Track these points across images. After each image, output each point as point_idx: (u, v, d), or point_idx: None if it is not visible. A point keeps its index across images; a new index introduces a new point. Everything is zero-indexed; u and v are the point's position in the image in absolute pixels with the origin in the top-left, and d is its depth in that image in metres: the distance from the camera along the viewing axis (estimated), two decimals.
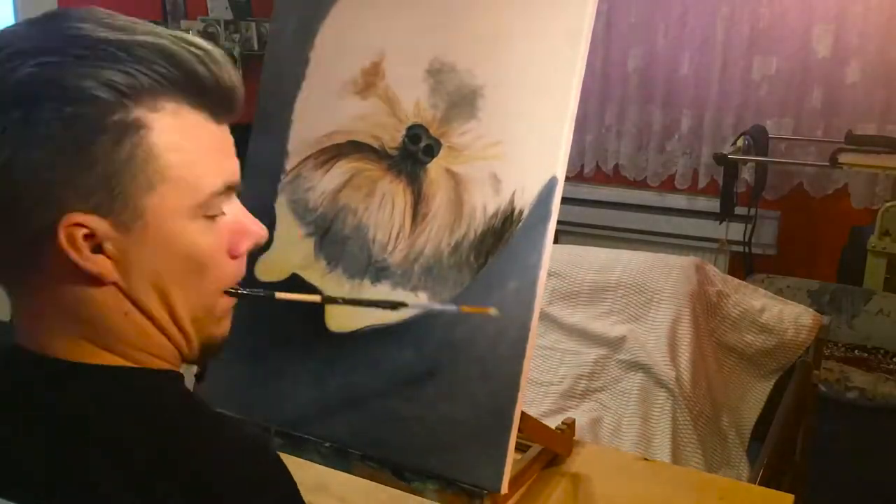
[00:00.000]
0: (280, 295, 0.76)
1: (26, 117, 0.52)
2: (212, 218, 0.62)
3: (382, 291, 0.99)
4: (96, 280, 0.57)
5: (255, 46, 3.63)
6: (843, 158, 2.60)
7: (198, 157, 0.60)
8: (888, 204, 2.60)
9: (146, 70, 0.56)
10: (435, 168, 0.98)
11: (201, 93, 0.59)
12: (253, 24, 3.62)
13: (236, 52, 3.50)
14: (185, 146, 0.59)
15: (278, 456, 0.63)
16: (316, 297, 0.96)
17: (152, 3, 3.36)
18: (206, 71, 0.59)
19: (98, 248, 0.56)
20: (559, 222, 3.38)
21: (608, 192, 3.51)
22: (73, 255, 0.55)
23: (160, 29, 0.58)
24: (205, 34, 3.43)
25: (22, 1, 3.08)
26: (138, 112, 0.55)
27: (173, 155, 0.58)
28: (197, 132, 0.59)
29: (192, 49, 0.58)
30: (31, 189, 0.53)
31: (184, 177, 0.58)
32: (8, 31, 0.56)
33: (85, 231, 0.55)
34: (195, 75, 0.58)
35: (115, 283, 0.58)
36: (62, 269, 0.56)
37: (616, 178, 3.53)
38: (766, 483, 1.22)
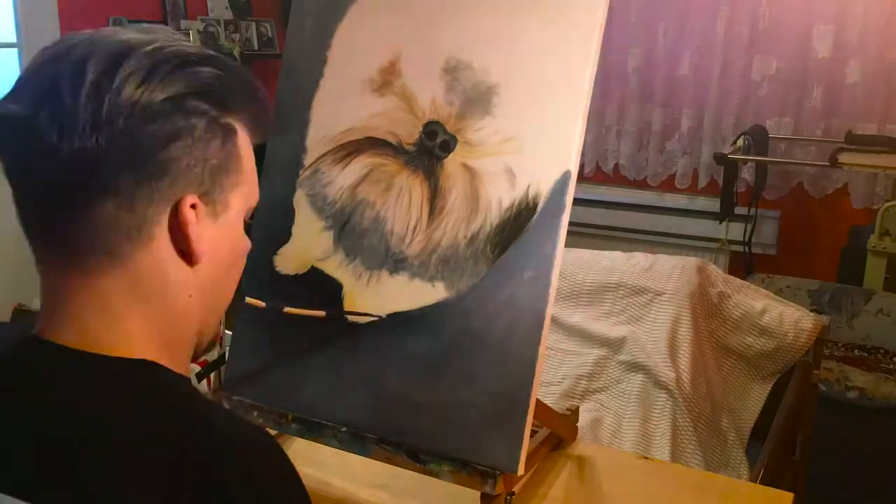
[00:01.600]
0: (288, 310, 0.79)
1: (178, 106, 0.61)
2: (247, 223, 0.72)
3: (400, 282, 1.01)
4: (188, 257, 0.65)
5: (256, 46, 3.64)
6: (843, 158, 2.60)
7: (254, 171, 0.71)
8: (888, 204, 2.61)
9: (237, 86, 0.66)
10: (451, 163, 1.01)
11: (256, 122, 0.69)
12: (253, 24, 3.63)
13: (236, 52, 3.50)
14: (251, 157, 0.70)
15: (287, 458, 0.65)
16: (320, 313, 1.02)
17: (152, 3, 3.36)
18: (264, 105, 0.70)
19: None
20: None
21: (608, 192, 3.51)
22: (191, 227, 0.63)
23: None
24: (205, 34, 3.43)
25: (22, 1, 3.08)
26: (232, 119, 0.66)
27: (248, 162, 0.69)
28: (251, 149, 0.70)
29: (258, 84, 0.70)
30: (172, 173, 0.61)
31: (251, 182, 0.70)
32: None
33: (196, 212, 0.64)
34: (261, 107, 0.69)
35: (198, 264, 0.65)
36: (162, 245, 0.63)
37: (616, 178, 3.53)
38: (766, 483, 1.22)
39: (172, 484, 0.56)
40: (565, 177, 0.96)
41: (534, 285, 0.93)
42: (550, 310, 0.92)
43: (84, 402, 0.59)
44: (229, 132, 0.65)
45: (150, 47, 0.61)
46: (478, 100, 1.00)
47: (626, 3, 3.32)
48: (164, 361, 0.64)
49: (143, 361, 0.63)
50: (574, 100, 0.95)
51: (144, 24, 0.66)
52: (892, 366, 2.39)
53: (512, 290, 0.95)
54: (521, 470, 0.91)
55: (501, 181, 0.98)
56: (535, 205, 0.96)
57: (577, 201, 3.52)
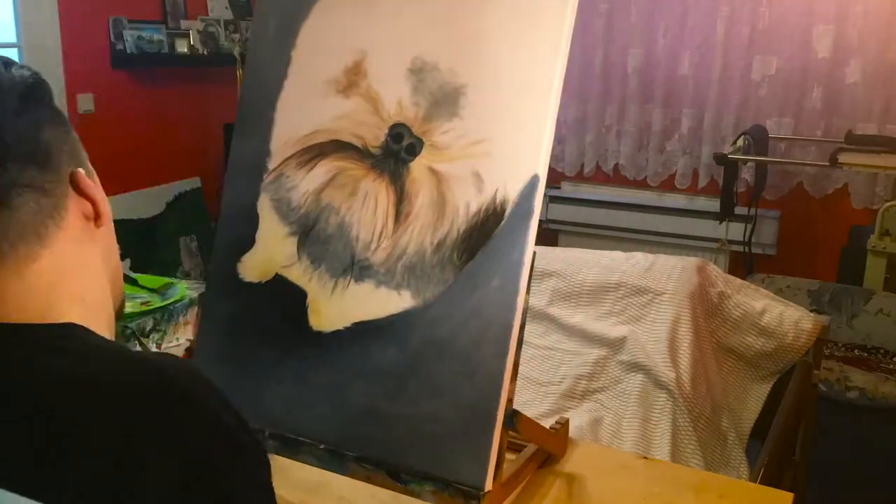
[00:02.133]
0: None
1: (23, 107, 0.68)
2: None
3: (366, 289, 0.99)
4: (96, 219, 0.72)
5: None
6: (843, 158, 2.60)
7: None
8: (888, 204, 2.60)
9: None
10: (417, 167, 0.99)
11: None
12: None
13: (236, 51, 3.50)
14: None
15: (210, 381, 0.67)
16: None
17: (152, 3, 3.36)
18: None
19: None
20: (559, 222, 3.40)
21: (608, 192, 3.51)
22: (92, 189, 0.71)
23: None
24: (205, 34, 3.43)
25: (22, 1, 3.08)
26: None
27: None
28: None
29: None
30: (54, 152, 0.69)
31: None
32: None
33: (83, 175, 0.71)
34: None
35: (102, 224, 0.72)
36: (74, 216, 0.69)
37: (616, 178, 3.53)
38: (766, 482, 1.22)
39: (131, 420, 0.58)
40: (534, 180, 0.92)
41: (501, 293, 0.91)
42: (519, 319, 0.90)
43: (25, 369, 0.61)
44: (61, 115, 0.72)
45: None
46: (444, 101, 0.97)
47: (626, 3, 3.32)
48: (87, 322, 0.68)
49: (72, 325, 0.66)
50: (543, 101, 0.93)
51: None
52: (892, 366, 2.39)
53: (479, 298, 0.92)
54: (488, 485, 0.88)
55: (468, 185, 0.95)
56: (503, 210, 0.93)
57: (577, 201, 3.51)
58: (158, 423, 0.59)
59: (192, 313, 1.40)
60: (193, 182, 3.53)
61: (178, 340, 1.49)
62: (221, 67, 3.50)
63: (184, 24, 3.38)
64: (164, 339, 1.19)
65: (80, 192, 0.70)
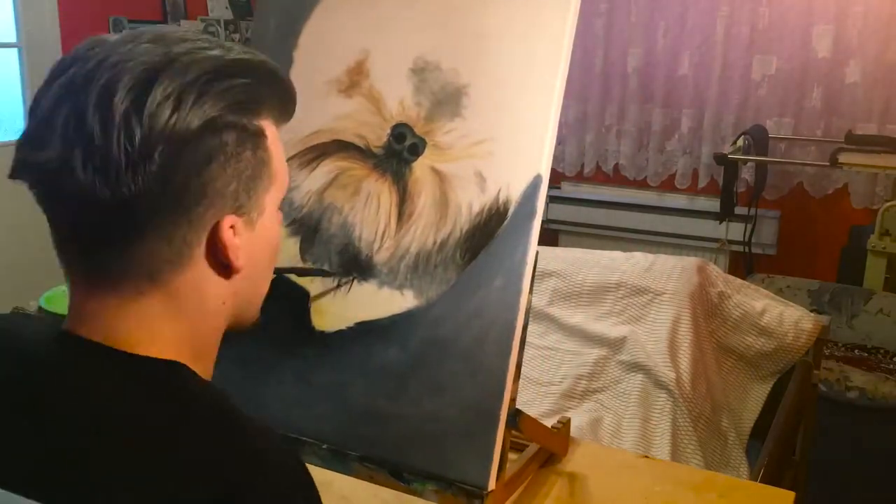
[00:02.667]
0: None
1: (211, 127, 0.59)
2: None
3: (368, 289, 0.99)
4: (227, 272, 0.65)
5: None
6: (843, 158, 2.60)
7: (284, 159, 0.70)
8: (888, 204, 2.60)
9: (265, 87, 0.65)
10: (420, 167, 0.99)
11: (285, 110, 0.68)
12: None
13: None
14: (280, 150, 0.68)
15: (305, 467, 0.65)
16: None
17: (152, 3, 3.36)
18: (291, 94, 0.69)
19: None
20: (559, 222, 3.40)
21: (608, 192, 3.51)
22: (230, 249, 0.63)
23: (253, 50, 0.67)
24: (205, 34, 3.43)
25: (22, 1, 3.08)
26: (260, 121, 0.64)
27: (277, 158, 0.67)
28: (279, 139, 0.68)
29: (283, 74, 0.69)
30: (209, 196, 0.60)
31: (282, 175, 0.69)
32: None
33: (234, 229, 0.63)
34: (289, 97, 0.68)
35: (234, 274, 0.65)
36: (201, 265, 0.63)
37: (616, 178, 3.53)
38: (766, 482, 1.22)
39: (189, 488, 0.56)
40: (536, 180, 0.92)
41: (504, 293, 0.91)
42: (522, 319, 0.90)
43: (112, 399, 0.59)
44: (259, 137, 0.63)
45: (178, 64, 0.58)
46: (447, 101, 0.98)
47: (626, 3, 3.32)
48: (189, 364, 0.64)
49: (173, 363, 0.63)
50: (545, 101, 0.93)
51: (157, 26, 0.64)
52: (892, 366, 2.39)
53: (482, 298, 0.92)
54: (492, 484, 0.89)
55: (471, 185, 0.95)
56: (506, 210, 0.93)
57: (577, 201, 3.51)
58: None
59: None
60: None
61: None
62: None
63: (184, 23, 3.38)
64: None
65: (216, 247, 0.62)
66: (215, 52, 0.61)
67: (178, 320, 0.63)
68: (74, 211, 0.59)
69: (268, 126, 0.65)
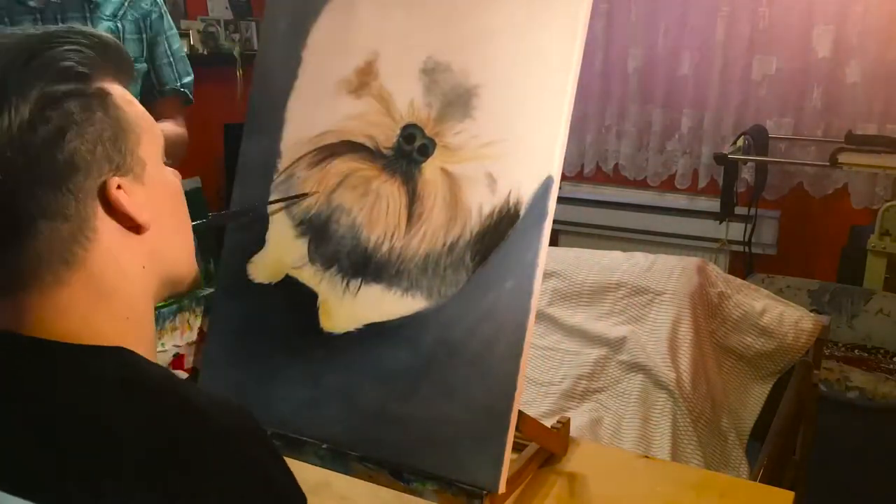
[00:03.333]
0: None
1: (47, 103, 0.59)
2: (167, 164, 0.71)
3: (378, 291, 0.99)
4: (137, 230, 0.65)
5: (256, 46, 3.63)
6: (843, 158, 2.60)
7: (142, 108, 0.69)
8: (888, 204, 2.60)
9: (85, 51, 0.63)
10: (430, 168, 0.98)
11: (119, 69, 0.67)
12: (253, 24, 3.63)
13: (236, 51, 3.50)
14: (133, 103, 0.67)
15: (262, 437, 0.64)
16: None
17: None
18: (114, 49, 0.67)
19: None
20: (559, 222, 3.37)
21: (608, 192, 3.51)
22: (127, 205, 0.63)
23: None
24: (205, 34, 3.43)
25: None
26: (99, 83, 0.64)
27: (133, 111, 0.66)
28: (128, 93, 0.68)
29: (95, 32, 0.67)
30: (80, 165, 0.60)
31: (148, 126, 0.68)
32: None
33: (123, 188, 0.63)
34: (114, 52, 0.67)
35: (144, 231, 0.65)
36: (108, 231, 0.63)
37: (616, 178, 3.52)
38: (765, 482, 1.22)
39: (166, 468, 0.56)
40: (548, 182, 0.92)
41: (515, 295, 0.91)
42: (532, 321, 0.90)
43: (62, 393, 0.59)
44: (104, 97, 0.63)
45: None
46: (457, 102, 0.97)
47: (626, 3, 3.32)
48: (130, 340, 0.64)
49: (116, 349, 0.62)
50: (556, 102, 0.93)
51: None
52: (892, 366, 2.39)
53: (492, 300, 0.92)
54: (502, 488, 0.88)
55: (481, 187, 0.95)
56: (517, 211, 0.93)
57: (577, 201, 3.50)
58: (202, 481, 0.56)
59: (181, 319, 1.39)
60: (194, 182, 3.52)
61: (163, 347, 1.48)
62: (221, 67, 3.50)
63: (184, 24, 3.38)
64: None
65: (113, 210, 0.63)
66: (17, 38, 0.61)
67: (106, 298, 0.63)
68: None
69: (110, 86, 0.65)
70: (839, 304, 2.57)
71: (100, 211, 0.62)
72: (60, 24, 0.67)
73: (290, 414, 1.00)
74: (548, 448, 1.12)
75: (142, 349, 0.65)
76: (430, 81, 0.99)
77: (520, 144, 0.94)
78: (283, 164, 1.06)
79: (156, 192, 0.67)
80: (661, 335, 1.67)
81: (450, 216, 0.96)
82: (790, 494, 1.07)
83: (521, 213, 0.93)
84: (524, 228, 0.92)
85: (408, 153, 0.99)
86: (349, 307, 0.99)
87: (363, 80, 1.03)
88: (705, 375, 1.67)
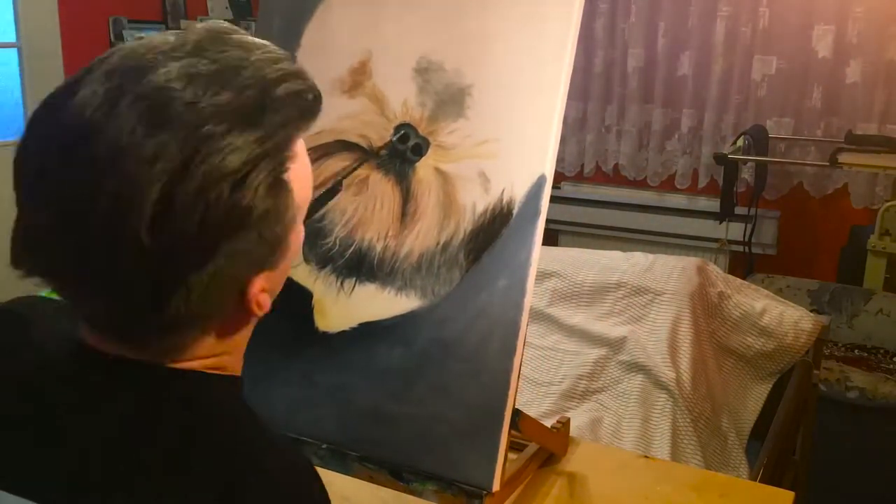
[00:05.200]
0: None
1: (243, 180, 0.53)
2: None
3: (372, 290, 0.99)
4: (252, 316, 0.61)
5: None
6: (843, 158, 2.60)
7: (308, 178, 0.63)
8: (888, 204, 2.60)
9: (289, 124, 0.57)
10: (423, 167, 0.99)
11: (311, 121, 0.61)
12: (253, 24, 3.63)
13: None
14: (305, 175, 0.62)
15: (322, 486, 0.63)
16: None
17: (152, 3, 3.36)
18: (318, 105, 0.61)
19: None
20: (559, 222, 3.39)
21: (608, 192, 3.51)
22: (255, 311, 0.59)
23: (284, 65, 0.59)
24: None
25: (22, 1, 3.08)
26: (291, 160, 0.58)
27: (301, 186, 0.60)
28: (305, 155, 0.62)
29: (309, 84, 0.60)
30: (239, 256, 0.55)
31: (307, 199, 0.62)
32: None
33: (264, 285, 0.59)
34: (313, 112, 0.61)
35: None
36: (228, 318, 0.59)
37: (616, 178, 3.53)
38: (765, 482, 1.22)
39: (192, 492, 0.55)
40: (541, 181, 0.92)
41: (508, 294, 0.91)
42: (526, 319, 0.90)
43: (131, 416, 0.58)
44: (287, 182, 0.57)
45: (200, 157, 0.51)
46: (450, 101, 0.98)
47: (626, 3, 3.32)
48: (224, 361, 0.63)
49: (205, 375, 0.61)
50: (549, 101, 0.93)
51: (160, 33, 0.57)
52: (892, 366, 2.39)
53: (486, 298, 0.92)
54: (496, 486, 0.89)
55: (475, 186, 0.95)
56: (510, 210, 0.93)
57: (577, 201, 3.50)
58: None
59: None
60: None
61: None
62: None
63: (184, 24, 3.38)
64: None
65: (244, 305, 0.59)
66: (238, 140, 0.53)
67: (222, 341, 0.62)
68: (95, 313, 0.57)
69: (294, 159, 0.59)
70: (839, 304, 2.57)
71: (233, 299, 0.58)
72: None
73: (285, 413, 1.00)
74: (548, 448, 1.12)
75: (233, 367, 0.65)
76: (423, 81, 0.99)
77: (513, 143, 0.94)
78: None
79: (284, 268, 0.63)
80: (661, 335, 1.67)
81: (443, 215, 0.97)
82: (790, 494, 1.07)
83: (515, 211, 0.93)
84: (517, 227, 0.93)
85: (401, 152, 1.00)
86: (344, 306, 1.00)
87: (357, 79, 1.03)
88: (705, 375, 1.67)
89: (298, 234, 0.63)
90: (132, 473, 0.56)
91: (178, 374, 0.60)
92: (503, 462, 0.89)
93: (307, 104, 0.59)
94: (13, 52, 3.11)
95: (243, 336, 0.65)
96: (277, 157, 0.55)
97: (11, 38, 3.10)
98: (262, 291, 0.59)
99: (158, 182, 0.50)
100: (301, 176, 0.60)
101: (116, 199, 0.50)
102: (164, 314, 0.54)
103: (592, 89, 3.45)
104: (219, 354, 0.62)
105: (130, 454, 0.56)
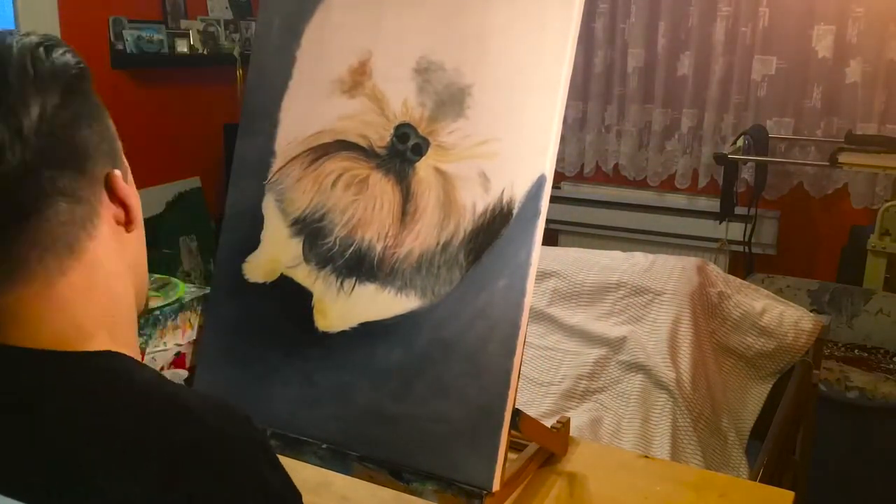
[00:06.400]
0: None
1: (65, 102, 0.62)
2: None
3: (372, 290, 0.99)
4: (128, 224, 0.67)
5: None
6: (843, 158, 2.60)
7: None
8: (888, 204, 2.60)
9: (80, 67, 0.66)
10: (423, 167, 0.99)
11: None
12: (253, 24, 3.63)
13: (236, 51, 3.50)
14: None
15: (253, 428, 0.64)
16: None
17: (152, 2, 3.36)
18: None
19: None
20: (559, 222, 3.39)
21: (608, 192, 3.51)
22: (130, 199, 0.66)
23: None
24: (205, 34, 3.43)
25: (22, 1, 3.08)
26: (91, 92, 0.67)
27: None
28: None
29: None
30: (91, 153, 0.64)
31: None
32: None
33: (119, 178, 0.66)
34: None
35: (132, 229, 0.68)
36: (106, 224, 0.65)
37: (616, 178, 3.53)
38: (765, 482, 1.22)
39: (164, 471, 0.56)
40: (540, 180, 0.92)
41: (508, 294, 0.91)
42: (525, 319, 0.90)
43: (53, 403, 0.58)
44: (100, 107, 0.67)
45: (27, 59, 0.60)
46: (450, 101, 0.98)
47: (626, 3, 3.32)
48: (115, 344, 0.64)
49: (111, 354, 0.63)
50: (549, 101, 0.93)
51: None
52: (892, 366, 2.39)
53: (486, 299, 0.92)
54: (496, 486, 0.89)
55: (475, 185, 0.95)
56: (510, 210, 0.93)
57: (577, 201, 3.50)
58: (196, 484, 0.56)
59: (182, 318, 1.39)
60: (193, 182, 3.52)
61: (164, 346, 1.48)
62: (221, 67, 3.50)
63: (184, 24, 3.38)
64: (148, 343, 1.18)
65: (115, 196, 0.66)
66: (31, 37, 0.63)
67: (97, 294, 0.64)
68: None
69: (97, 98, 0.68)
70: (839, 304, 2.57)
71: (105, 198, 0.65)
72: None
73: (285, 413, 1.00)
74: (548, 448, 1.12)
75: (128, 351, 0.65)
76: (423, 81, 0.99)
77: (513, 143, 0.94)
78: (277, 163, 1.06)
79: (135, 197, 0.69)
80: (661, 335, 1.67)
81: (443, 215, 0.97)
82: (790, 494, 1.07)
83: (515, 211, 0.93)
84: (517, 227, 0.93)
85: (401, 152, 1.00)
86: (344, 306, 1.00)
87: (357, 79, 1.03)
88: (705, 375, 1.67)
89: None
90: (86, 463, 0.56)
91: (88, 355, 0.62)
92: (503, 462, 0.89)
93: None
94: None
95: (124, 294, 0.67)
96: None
97: None
98: (116, 176, 0.65)
99: None
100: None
101: None
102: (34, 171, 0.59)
103: (592, 89, 3.45)
104: (109, 325, 0.64)
105: (75, 444, 0.57)
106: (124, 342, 0.66)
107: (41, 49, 0.62)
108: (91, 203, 0.63)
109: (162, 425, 0.59)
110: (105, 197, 0.65)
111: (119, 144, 0.69)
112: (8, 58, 0.60)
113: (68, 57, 0.64)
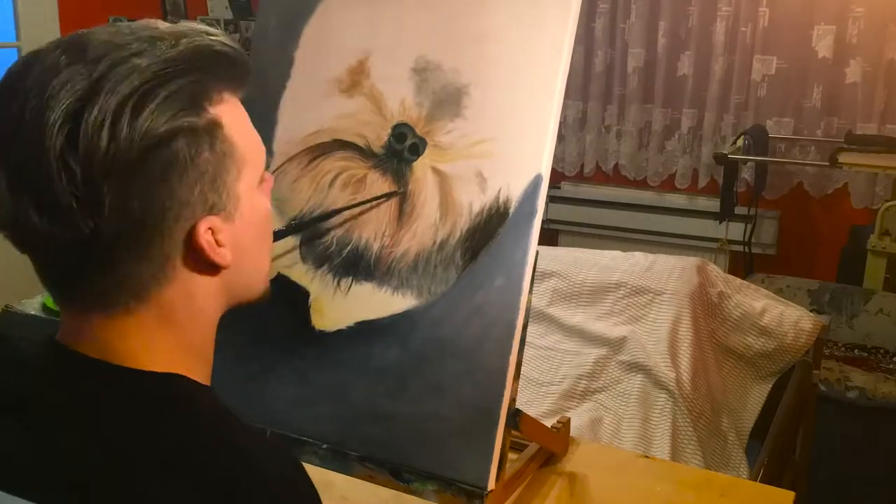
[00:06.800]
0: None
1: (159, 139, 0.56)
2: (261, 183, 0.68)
3: (368, 289, 0.99)
4: (214, 271, 0.63)
5: None
6: (843, 158, 2.60)
7: (252, 133, 0.66)
8: (888, 204, 2.60)
9: (209, 73, 0.60)
10: (420, 166, 0.99)
11: (236, 77, 0.63)
12: (253, 24, 3.63)
13: None
14: (244, 128, 0.64)
15: (310, 483, 0.65)
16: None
17: (152, 3, 3.36)
18: (237, 56, 0.63)
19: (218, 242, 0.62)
20: (559, 222, 3.39)
21: (608, 192, 3.51)
22: (213, 255, 0.61)
23: (188, 27, 0.62)
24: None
25: (22, 1, 3.08)
26: (212, 109, 0.60)
27: (241, 139, 0.63)
28: (242, 112, 0.65)
29: (222, 40, 0.62)
30: (174, 208, 0.58)
31: (253, 156, 0.65)
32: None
33: (212, 231, 0.61)
34: (238, 64, 0.63)
35: (226, 268, 0.63)
36: (186, 271, 0.61)
37: (616, 178, 3.52)
38: (765, 482, 1.22)
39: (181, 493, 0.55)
40: (537, 180, 0.93)
41: (505, 293, 0.91)
42: (522, 318, 0.90)
43: (111, 418, 0.58)
44: (214, 130, 0.60)
45: (106, 84, 0.54)
46: (448, 101, 0.98)
47: (626, 3, 3.32)
48: (188, 367, 0.63)
49: (170, 376, 0.62)
50: (546, 101, 0.93)
51: (80, 32, 0.59)
52: (892, 366, 2.39)
53: (482, 298, 0.93)
54: (491, 484, 0.89)
55: (472, 185, 0.96)
56: (507, 209, 0.94)
57: (577, 201, 3.51)
58: None
59: None
60: None
61: None
62: None
63: (183, 23, 3.39)
64: None
65: (197, 254, 0.61)
66: (144, 60, 0.56)
67: (172, 329, 0.62)
68: (43, 253, 0.59)
69: (223, 109, 0.61)
70: (839, 304, 2.57)
71: (182, 248, 0.60)
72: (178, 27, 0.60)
73: (281, 411, 1.00)
74: (548, 448, 1.12)
75: (198, 375, 0.64)
76: (421, 81, 1.00)
77: (510, 143, 0.95)
78: (275, 163, 1.06)
79: (245, 226, 0.64)
80: (661, 335, 1.67)
81: (440, 214, 0.97)
82: (790, 494, 1.07)
83: (511, 211, 0.93)
84: (514, 226, 0.93)
85: (399, 152, 1.00)
86: (340, 305, 1.00)
87: (355, 79, 1.04)
88: (705, 375, 1.67)
89: (251, 190, 0.64)
90: (127, 476, 0.56)
91: (152, 377, 0.61)
92: (499, 460, 0.89)
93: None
94: (13, 53, 3.11)
95: (203, 324, 0.65)
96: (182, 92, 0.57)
97: (11, 38, 3.10)
98: (210, 231, 0.60)
99: (65, 101, 0.53)
100: (239, 131, 0.62)
101: (33, 119, 0.54)
102: (101, 241, 0.55)
103: (592, 89, 3.44)
104: (180, 357, 0.63)
105: (124, 456, 0.57)
106: (196, 367, 0.65)
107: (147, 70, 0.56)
108: (163, 259, 0.59)
109: (206, 454, 0.58)
110: (183, 246, 0.60)
111: (228, 174, 0.61)
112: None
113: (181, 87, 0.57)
